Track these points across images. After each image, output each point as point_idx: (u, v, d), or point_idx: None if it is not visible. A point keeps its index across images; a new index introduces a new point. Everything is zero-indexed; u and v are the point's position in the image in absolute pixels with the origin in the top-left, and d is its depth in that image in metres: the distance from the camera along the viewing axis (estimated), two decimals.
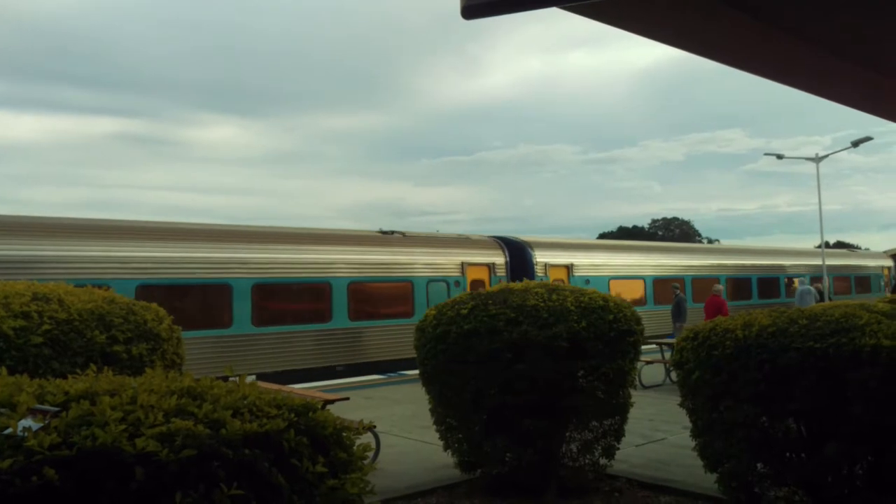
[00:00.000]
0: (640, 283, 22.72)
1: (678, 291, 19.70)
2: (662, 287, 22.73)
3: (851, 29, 4.07)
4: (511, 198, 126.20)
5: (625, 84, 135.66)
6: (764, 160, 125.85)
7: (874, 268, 35.22)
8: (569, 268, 20.50)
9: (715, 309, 15.11)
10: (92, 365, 3.25)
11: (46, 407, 2.34)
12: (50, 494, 1.99)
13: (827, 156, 31.07)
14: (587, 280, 20.18)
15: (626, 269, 22.29)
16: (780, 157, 32.95)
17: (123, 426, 2.17)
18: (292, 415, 2.53)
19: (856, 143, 29.47)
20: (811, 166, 30.49)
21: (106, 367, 3.23)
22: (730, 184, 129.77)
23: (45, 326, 4.94)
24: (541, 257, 19.88)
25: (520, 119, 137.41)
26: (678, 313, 18.65)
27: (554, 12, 3.40)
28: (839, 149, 34.26)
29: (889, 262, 36.44)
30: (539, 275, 19.33)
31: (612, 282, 21.38)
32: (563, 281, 19.10)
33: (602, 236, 65.45)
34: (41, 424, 2.18)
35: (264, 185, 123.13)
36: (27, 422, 2.18)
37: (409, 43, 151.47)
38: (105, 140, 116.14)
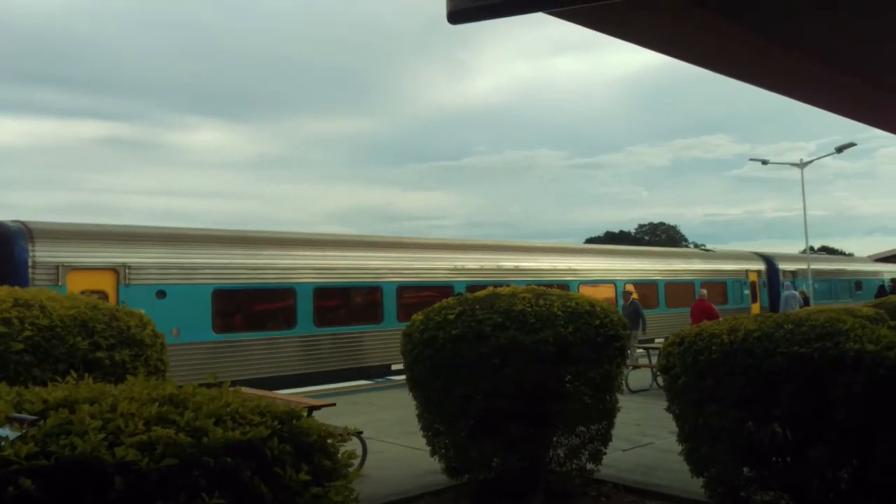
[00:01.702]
0: (290, 294, 15.04)
1: (633, 297, 17.79)
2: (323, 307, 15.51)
3: (839, 37, 4.11)
4: (498, 203, 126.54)
5: (611, 89, 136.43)
6: (749, 165, 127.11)
7: (733, 272, 27.21)
8: (118, 272, 12.88)
9: (703, 314, 15.14)
10: (72, 372, 3.20)
11: (24, 416, 2.30)
12: None
13: (811, 161, 31.40)
14: (161, 291, 13.30)
15: (246, 275, 14.58)
16: (765, 162, 33.24)
17: (103, 435, 2.14)
18: (276, 422, 2.50)
19: (840, 149, 29.82)
20: (796, 172, 30.81)
21: (87, 374, 3.19)
22: (716, 189, 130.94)
23: (27, 333, 4.87)
24: (48, 254, 12.26)
25: (507, 124, 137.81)
26: (634, 321, 16.25)
27: (541, 18, 3.41)
28: (823, 154, 34.35)
29: (759, 265, 28.68)
30: (38, 282, 11.91)
31: (216, 293, 14.01)
32: (104, 295, 12.29)
33: (589, 241, 65.63)
34: (19, 433, 2.14)
35: (252, 190, 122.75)
36: (4, 431, 2.14)
37: (396, 47, 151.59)
38: (90, 144, 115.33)
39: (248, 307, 14.85)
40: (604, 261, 22.96)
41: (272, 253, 15.21)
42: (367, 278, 16.47)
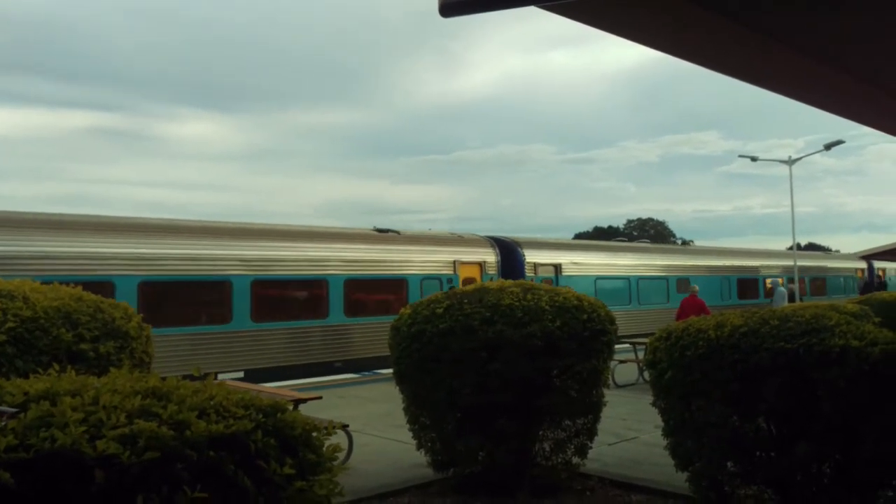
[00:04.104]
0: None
1: None
2: None
3: (828, 32, 4.11)
4: (489, 197, 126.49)
5: (603, 84, 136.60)
6: (738, 162, 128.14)
7: (425, 266, 17.40)
8: None
9: (696, 310, 15.01)
10: (55, 364, 3.16)
11: (4, 408, 2.27)
12: (6, 498, 1.93)
13: (800, 158, 31.52)
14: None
15: None
16: (753, 159, 33.35)
17: (84, 428, 2.12)
18: (260, 415, 2.49)
19: (828, 146, 29.95)
20: (784, 168, 30.93)
21: (70, 366, 3.15)
22: (705, 185, 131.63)
23: (9, 324, 4.82)
24: None
25: (499, 118, 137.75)
26: None
27: (534, 11, 3.39)
28: (812, 151, 34.41)
29: (484, 254, 19.05)
30: None
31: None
32: None
33: (578, 236, 65.77)
34: None
35: (241, 182, 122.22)
36: None
37: (388, 39, 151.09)
38: (78, 134, 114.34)
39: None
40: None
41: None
42: None
